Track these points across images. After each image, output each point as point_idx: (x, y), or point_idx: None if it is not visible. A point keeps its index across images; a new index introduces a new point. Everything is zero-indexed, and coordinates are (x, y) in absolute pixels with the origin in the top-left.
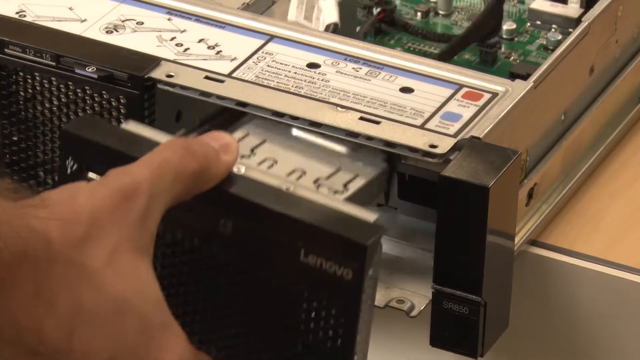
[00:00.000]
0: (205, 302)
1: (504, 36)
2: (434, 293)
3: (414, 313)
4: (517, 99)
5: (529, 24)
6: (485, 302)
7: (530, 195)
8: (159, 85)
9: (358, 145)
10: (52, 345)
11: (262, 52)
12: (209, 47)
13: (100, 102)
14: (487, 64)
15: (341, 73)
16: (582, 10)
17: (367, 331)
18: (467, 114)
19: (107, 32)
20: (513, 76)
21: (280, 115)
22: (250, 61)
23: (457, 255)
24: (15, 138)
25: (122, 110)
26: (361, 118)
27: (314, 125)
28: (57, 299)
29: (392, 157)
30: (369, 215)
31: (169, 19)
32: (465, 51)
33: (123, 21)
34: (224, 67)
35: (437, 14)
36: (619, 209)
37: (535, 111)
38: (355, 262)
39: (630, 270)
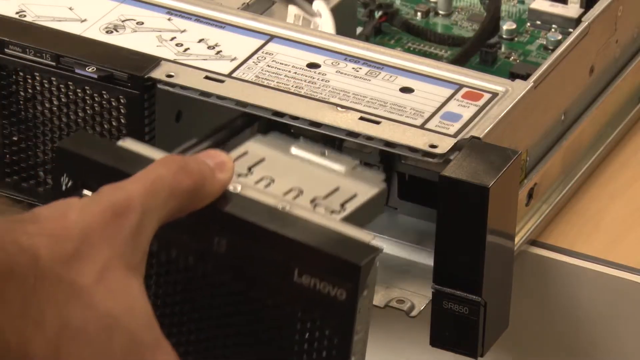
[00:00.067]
0: (198, 322)
1: (504, 36)
2: (434, 293)
3: (414, 313)
4: (517, 99)
5: (529, 24)
6: (485, 302)
7: (530, 195)
8: (159, 85)
9: (357, 165)
10: None
11: (262, 52)
12: (209, 47)
13: (100, 102)
14: (487, 64)
15: (341, 73)
16: (582, 10)
17: (362, 351)
18: (467, 114)
19: (107, 32)
20: (513, 76)
21: (280, 115)
22: (250, 61)
23: (457, 255)
24: (15, 138)
25: (122, 110)
26: (361, 118)
27: (314, 125)
28: (44, 316)
29: (392, 157)
30: (364, 236)
31: (169, 19)
32: None
33: (123, 21)
34: (224, 67)
35: (437, 14)
36: (619, 209)
37: (535, 111)
38: (349, 283)
39: (630, 270)
